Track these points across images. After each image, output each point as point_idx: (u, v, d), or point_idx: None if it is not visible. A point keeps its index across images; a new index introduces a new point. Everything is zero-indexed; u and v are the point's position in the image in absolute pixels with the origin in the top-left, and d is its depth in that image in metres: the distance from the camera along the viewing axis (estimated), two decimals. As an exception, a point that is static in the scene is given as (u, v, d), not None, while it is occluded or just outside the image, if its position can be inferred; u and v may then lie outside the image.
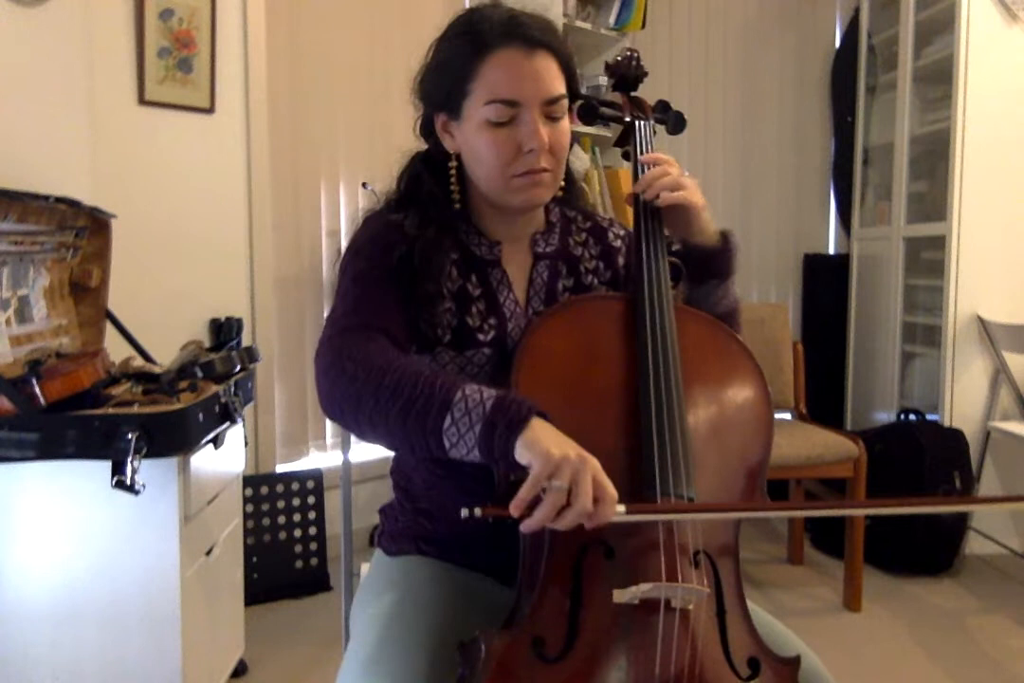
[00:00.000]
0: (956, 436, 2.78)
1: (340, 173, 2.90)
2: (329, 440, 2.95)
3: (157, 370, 1.74)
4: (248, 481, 2.46)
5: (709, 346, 1.03)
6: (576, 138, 2.74)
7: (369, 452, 2.84)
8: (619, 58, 1.21)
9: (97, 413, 1.41)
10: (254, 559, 2.46)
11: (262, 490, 2.53)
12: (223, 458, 1.75)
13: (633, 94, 1.22)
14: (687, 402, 0.94)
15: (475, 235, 1.08)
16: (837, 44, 3.71)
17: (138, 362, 1.85)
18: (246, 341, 2.57)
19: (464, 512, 0.79)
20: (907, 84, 3.13)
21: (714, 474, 0.94)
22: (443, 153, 1.06)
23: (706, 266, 1.08)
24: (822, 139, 3.77)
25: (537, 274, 1.10)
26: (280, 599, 2.49)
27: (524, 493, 0.77)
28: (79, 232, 1.81)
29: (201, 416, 1.52)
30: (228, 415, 1.67)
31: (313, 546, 2.58)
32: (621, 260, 1.16)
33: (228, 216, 2.55)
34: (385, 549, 1.14)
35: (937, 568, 2.74)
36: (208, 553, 1.68)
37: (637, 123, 1.16)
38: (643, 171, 1.07)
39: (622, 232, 1.19)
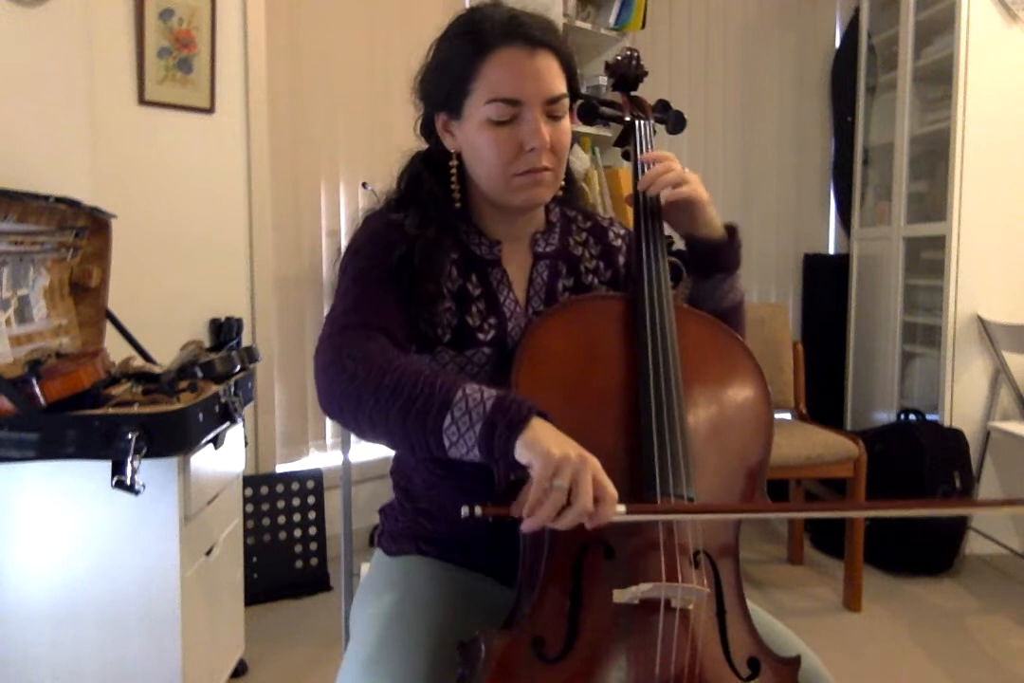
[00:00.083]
0: (956, 436, 2.78)
1: (340, 173, 2.90)
2: (329, 440, 2.95)
3: (157, 370, 1.74)
4: (248, 481, 2.46)
5: (709, 346, 1.03)
6: (576, 138, 2.74)
7: (369, 452, 2.84)
8: (619, 58, 1.21)
9: (97, 413, 1.40)
10: (254, 559, 2.46)
11: (262, 490, 2.53)
12: (223, 458, 1.75)
13: (633, 94, 1.22)
14: (687, 402, 0.94)
15: (475, 235, 1.08)
16: (837, 44, 3.71)
17: (138, 362, 1.85)
18: (246, 341, 2.57)
19: (464, 511, 0.79)
20: (907, 84, 3.13)
21: (714, 474, 0.94)
22: (443, 153, 1.06)
23: (712, 260, 1.08)
24: (822, 139, 3.77)
25: (537, 274, 1.10)
26: (280, 599, 2.49)
27: (533, 496, 0.76)
28: (79, 232, 1.81)
29: (201, 416, 1.52)
30: (228, 415, 1.67)
31: (313, 546, 2.58)
32: (621, 260, 1.16)
33: (228, 216, 2.55)
34: (385, 549, 1.14)
35: (937, 568, 2.74)
36: (208, 553, 1.68)
37: (637, 123, 1.16)
38: (644, 170, 1.07)
39: (622, 232, 1.19)
